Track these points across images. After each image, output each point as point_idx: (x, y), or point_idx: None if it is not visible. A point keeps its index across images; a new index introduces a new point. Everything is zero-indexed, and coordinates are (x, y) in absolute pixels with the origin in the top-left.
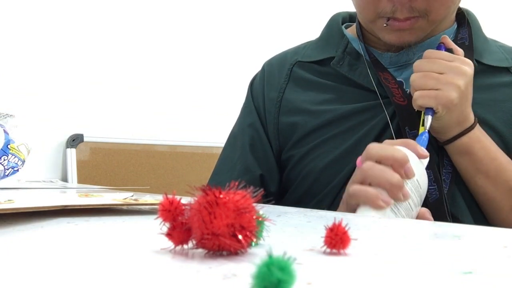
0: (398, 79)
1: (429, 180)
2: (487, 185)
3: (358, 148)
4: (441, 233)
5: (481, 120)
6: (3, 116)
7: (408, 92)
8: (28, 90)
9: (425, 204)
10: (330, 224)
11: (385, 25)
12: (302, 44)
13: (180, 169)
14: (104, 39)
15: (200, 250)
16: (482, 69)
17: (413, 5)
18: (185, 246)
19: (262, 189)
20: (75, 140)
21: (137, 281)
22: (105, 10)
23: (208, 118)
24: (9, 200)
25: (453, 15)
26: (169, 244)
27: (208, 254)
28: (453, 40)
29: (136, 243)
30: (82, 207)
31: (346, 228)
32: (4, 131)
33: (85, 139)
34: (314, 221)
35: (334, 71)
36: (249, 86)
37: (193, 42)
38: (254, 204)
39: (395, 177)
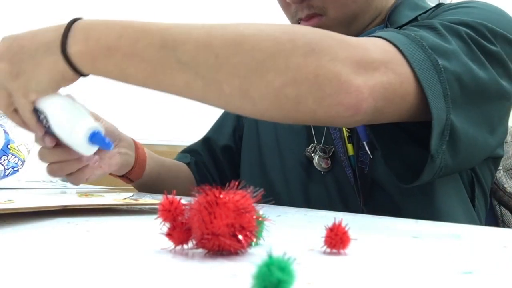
0: None
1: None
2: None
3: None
4: (441, 233)
5: None
6: (3, 116)
7: None
8: None
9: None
10: (330, 224)
11: None
12: None
13: None
14: None
15: (200, 250)
16: None
17: (310, 3)
18: (185, 246)
19: (262, 189)
20: None
21: (137, 281)
22: (105, 11)
23: (208, 118)
24: (9, 200)
25: (374, 12)
26: (169, 244)
27: (208, 254)
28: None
29: (136, 243)
30: (82, 207)
31: (346, 228)
32: (4, 131)
33: None
34: (314, 221)
35: None
36: None
37: None
38: (254, 204)
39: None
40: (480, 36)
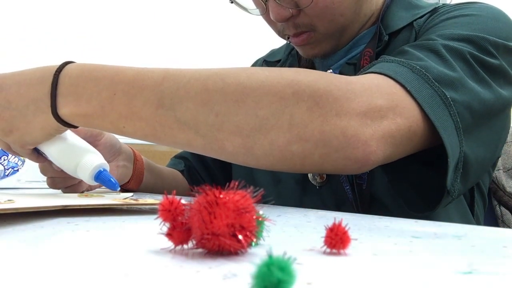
0: None
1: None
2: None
3: None
4: (441, 233)
5: None
6: None
7: None
8: None
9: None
10: (330, 224)
11: (288, 42)
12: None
13: None
14: (104, 39)
15: (200, 250)
16: (390, 39)
17: (295, 21)
18: (185, 246)
19: (262, 189)
20: None
21: (137, 281)
22: (104, 10)
23: None
24: (9, 200)
25: (364, 19)
26: (169, 244)
27: (208, 254)
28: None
29: (136, 243)
30: (82, 207)
31: (346, 228)
32: None
33: None
34: (314, 221)
35: None
36: None
37: (192, 42)
38: (254, 204)
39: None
40: (483, 52)
